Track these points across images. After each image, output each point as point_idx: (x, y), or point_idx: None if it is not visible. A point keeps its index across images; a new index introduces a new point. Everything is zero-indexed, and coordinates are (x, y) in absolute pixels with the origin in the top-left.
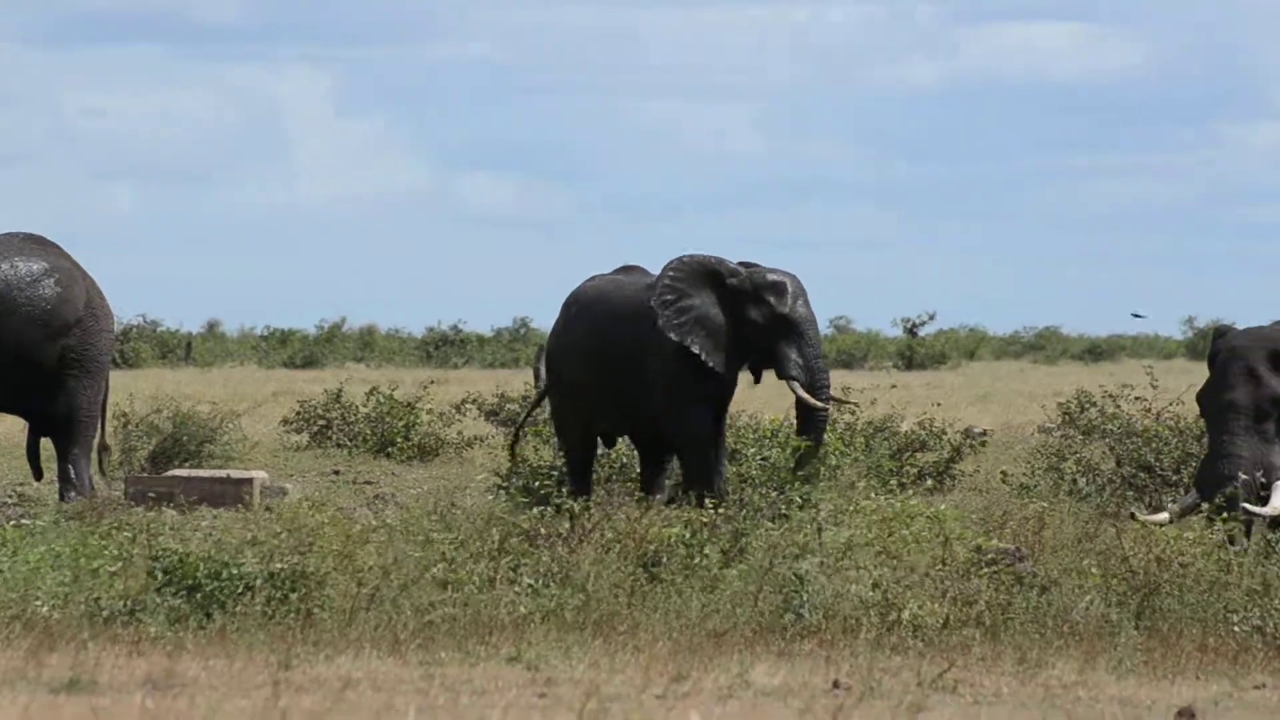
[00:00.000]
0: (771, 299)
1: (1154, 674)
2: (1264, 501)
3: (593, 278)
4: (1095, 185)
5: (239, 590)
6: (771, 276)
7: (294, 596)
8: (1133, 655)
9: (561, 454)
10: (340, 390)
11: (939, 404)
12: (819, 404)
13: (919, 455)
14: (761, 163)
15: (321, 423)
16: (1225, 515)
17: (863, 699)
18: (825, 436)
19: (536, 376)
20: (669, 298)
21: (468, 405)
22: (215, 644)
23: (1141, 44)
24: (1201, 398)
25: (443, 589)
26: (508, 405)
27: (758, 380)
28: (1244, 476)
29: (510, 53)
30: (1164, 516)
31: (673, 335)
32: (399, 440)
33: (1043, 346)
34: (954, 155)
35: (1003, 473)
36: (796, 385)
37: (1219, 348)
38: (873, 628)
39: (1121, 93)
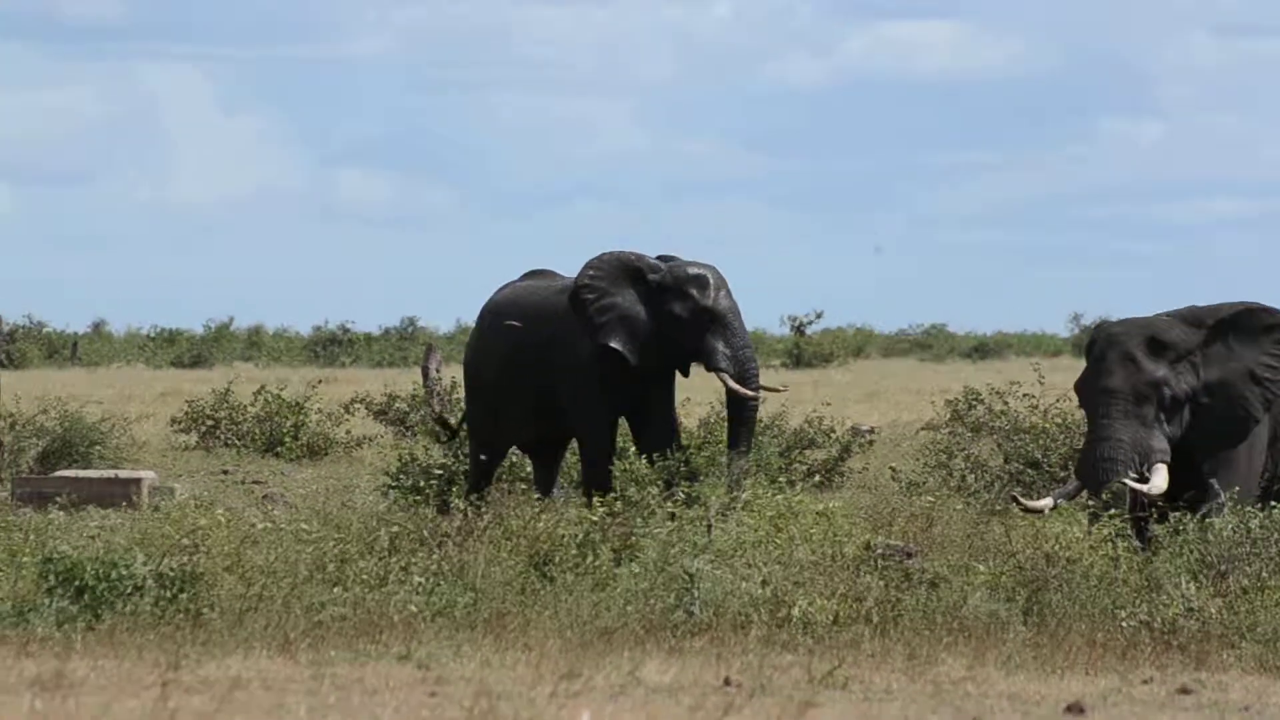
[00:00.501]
0: (694, 292)
1: (1043, 669)
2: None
3: (504, 286)
4: (981, 182)
5: (128, 591)
6: (692, 270)
7: (183, 597)
8: (1022, 651)
9: (469, 456)
10: (228, 390)
11: (828, 403)
12: (749, 393)
13: (807, 453)
14: (644, 159)
15: (210, 423)
16: (1112, 511)
17: (753, 696)
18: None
19: (425, 375)
20: (590, 296)
21: (356, 405)
22: (104, 645)
23: (1019, 41)
24: (1080, 386)
25: (332, 588)
26: (396, 404)
27: (685, 374)
28: (1123, 460)
29: (393, 50)
30: (1046, 503)
31: (595, 335)
32: (287, 440)
33: (930, 344)
34: (840, 152)
35: (891, 470)
36: (726, 376)
37: (1096, 336)
38: (763, 625)
39: (1004, 89)
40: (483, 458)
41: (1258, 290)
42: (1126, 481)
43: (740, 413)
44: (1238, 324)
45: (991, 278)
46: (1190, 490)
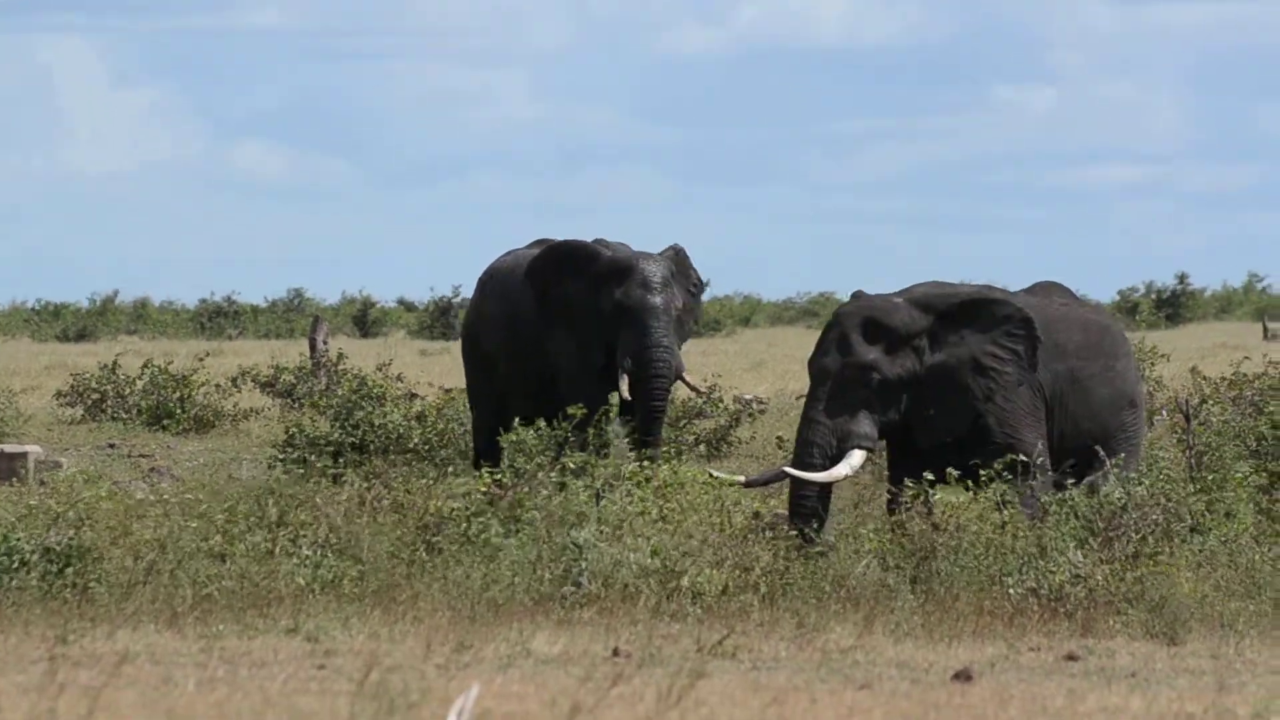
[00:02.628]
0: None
1: (931, 637)
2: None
3: (508, 253)
4: (868, 149)
5: (14, 566)
6: (621, 260)
7: (70, 571)
8: (910, 619)
9: (471, 425)
10: (115, 363)
11: (719, 374)
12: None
13: (696, 423)
14: (536, 128)
15: (96, 396)
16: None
17: (642, 666)
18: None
19: (312, 347)
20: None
21: (244, 378)
22: None
23: (914, 8)
24: (809, 363)
25: (220, 562)
26: (283, 377)
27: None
28: (819, 443)
29: (284, 20)
30: (739, 478)
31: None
32: (175, 413)
33: (817, 312)
34: (725, 120)
35: (779, 439)
36: (622, 374)
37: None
38: (652, 595)
39: (894, 57)
40: (484, 423)
41: (1149, 254)
42: (787, 469)
43: (638, 412)
44: (971, 311)
45: (880, 246)
46: (922, 471)
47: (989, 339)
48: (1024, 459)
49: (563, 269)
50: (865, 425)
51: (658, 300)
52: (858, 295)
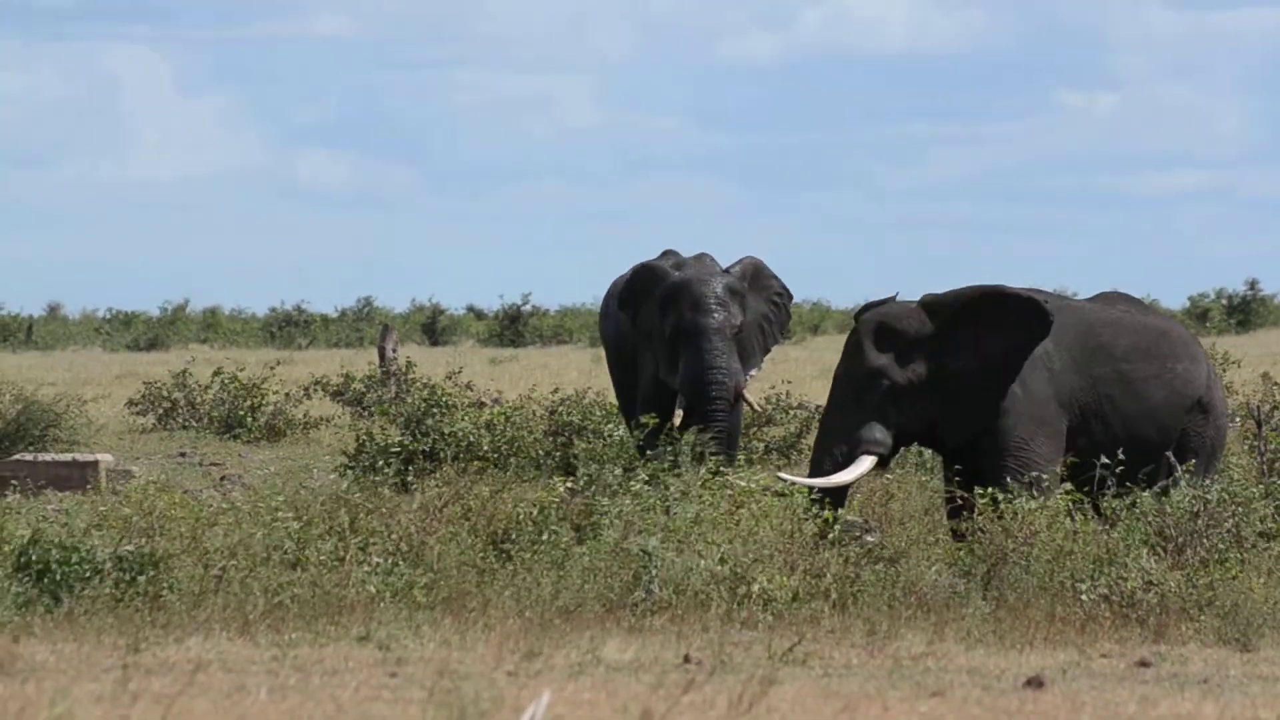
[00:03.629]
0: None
1: (1002, 644)
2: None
3: (642, 264)
4: (932, 155)
5: (87, 574)
6: (678, 282)
7: (142, 580)
8: (981, 625)
9: (627, 427)
10: (186, 371)
11: (788, 381)
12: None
13: (766, 430)
14: (600, 134)
15: (167, 405)
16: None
17: (714, 673)
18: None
19: (381, 356)
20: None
21: (315, 387)
22: (63, 628)
23: (976, 14)
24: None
25: (292, 569)
26: (353, 385)
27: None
28: (828, 448)
29: (349, 29)
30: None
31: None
32: (246, 421)
33: None
34: (793, 127)
35: None
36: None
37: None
38: (723, 602)
39: (957, 62)
40: (637, 423)
41: (1219, 260)
42: (783, 475)
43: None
44: (980, 308)
45: (946, 252)
46: (972, 472)
47: (1001, 335)
48: (1024, 467)
49: (642, 293)
50: (876, 431)
51: (708, 321)
52: (869, 305)
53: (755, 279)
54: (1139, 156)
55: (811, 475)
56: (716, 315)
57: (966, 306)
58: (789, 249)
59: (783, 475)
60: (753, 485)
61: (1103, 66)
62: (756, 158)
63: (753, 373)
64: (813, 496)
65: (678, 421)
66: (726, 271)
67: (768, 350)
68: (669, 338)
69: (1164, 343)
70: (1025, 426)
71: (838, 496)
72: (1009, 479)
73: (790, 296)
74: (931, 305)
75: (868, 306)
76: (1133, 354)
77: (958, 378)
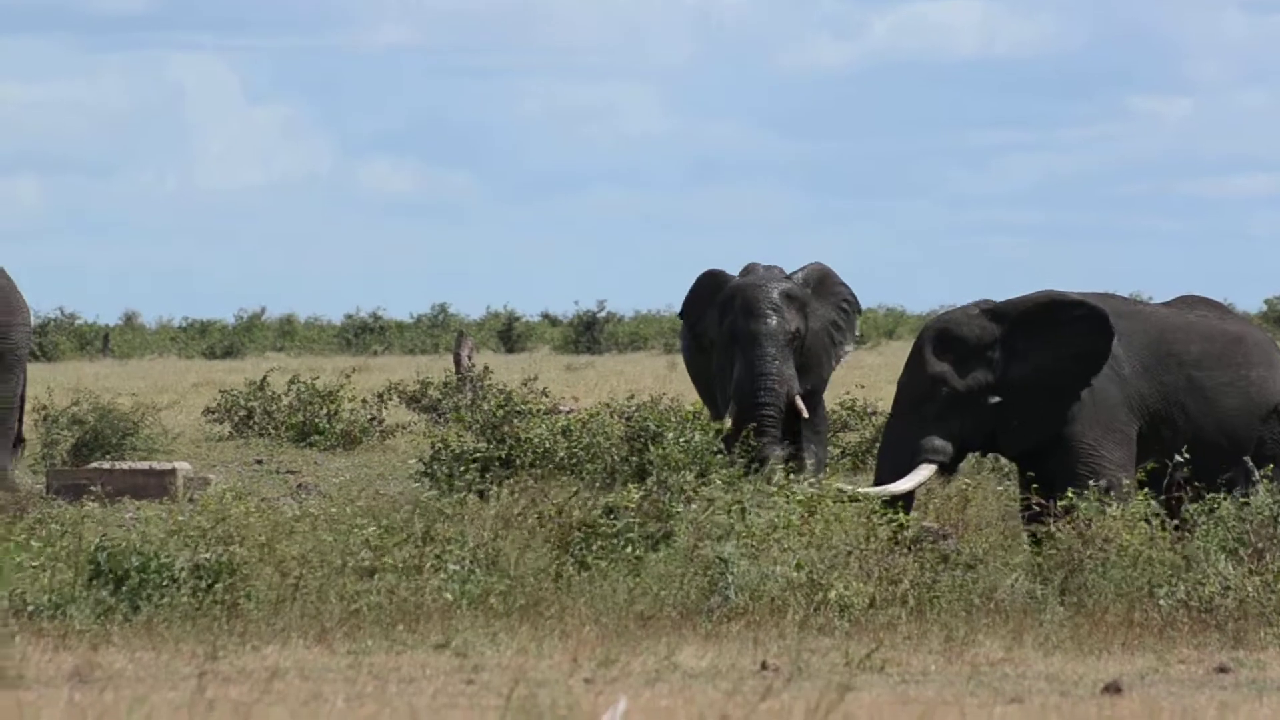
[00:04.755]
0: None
1: (1080, 650)
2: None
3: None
4: (1005, 161)
5: (164, 583)
6: (732, 288)
7: (219, 587)
8: (1059, 631)
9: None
10: (264, 379)
11: (861, 385)
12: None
13: (841, 436)
14: (668, 143)
15: (243, 412)
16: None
17: (791, 680)
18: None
19: (457, 363)
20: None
21: (390, 394)
22: (141, 636)
23: (1048, 19)
24: None
25: (368, 577)
26: (429, 392)
27: None
28: (890, 457)
29: (412, 37)
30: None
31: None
32: (322, 429)
33: None
34: (867, 134)
35: None
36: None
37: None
38: (799, 609)
39: (1029, 68)
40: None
41: None
42: (842, 486)
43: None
44: (1042, 315)
45: (1022, 257)
46: (1042, 478)
47: (1064, 341)
48: (1093, 473)
49: (701, 300)
50: (935, 439)
51: (760, 326)
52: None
53: (821, 285)
54: (1213, 161)
55: (876, 484)
56: (770, 320)
57: (1026, 314)
58: (860, 255)
59: (842, 486)
60: (822, 492)
61: (1176, 71)
62: (824, 165)
63: (826, 378)
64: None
65: (726, 425)
66: (788, 278)
67: (839, 358)
68: (724, 344)
69: (1238, 349)
70: (1094, 432)
71: (904, 505)
72: (1081, 485)
73: (858, 303)
74: (993, 312)
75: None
76: (1205, 360)
77: (1016, 386)
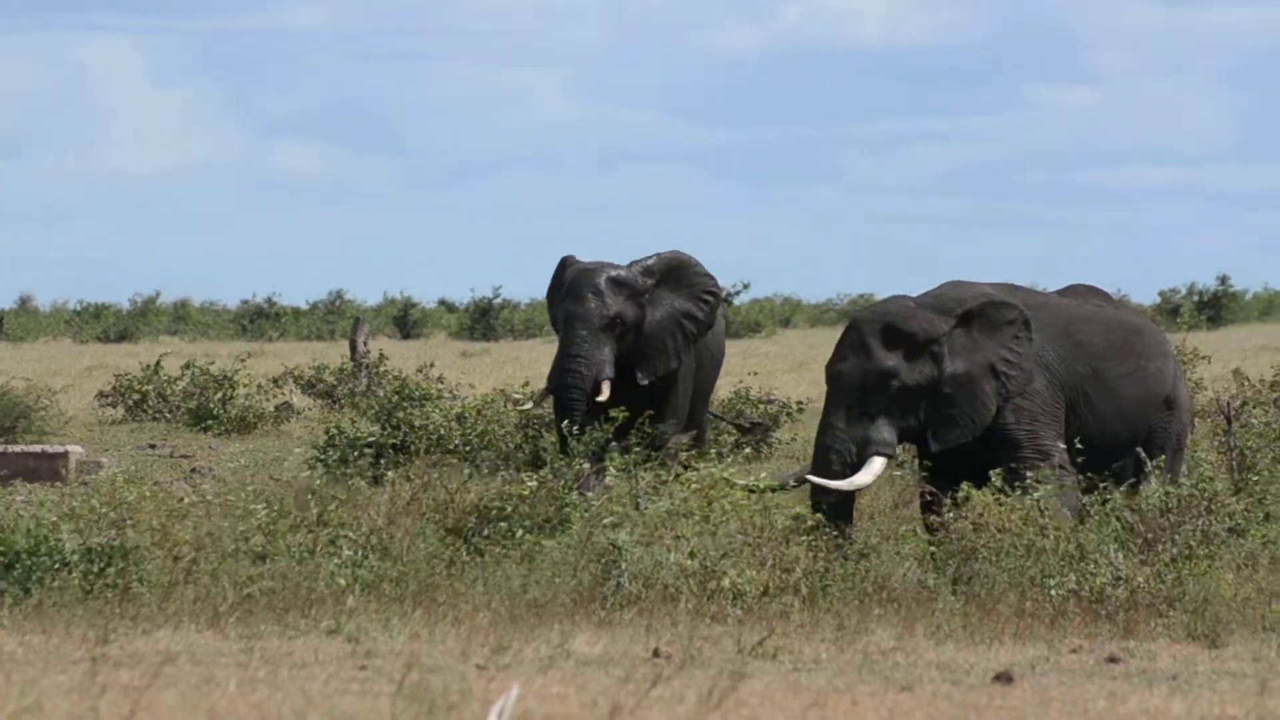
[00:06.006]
0: None
1: (972, 639)
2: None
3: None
4: (907, 150)
5: (55, 566)
6: (567, 273)
7: (111, 571)
8: (951, 620)
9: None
10: (158, 363)
11: (755, 373)
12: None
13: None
14: (574, 128)
15: (137, 396)
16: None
17: (683, 667)
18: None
19: (353, 349)
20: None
21: (285, 378)
22: (32, 620)
23: (953, 7)
24: (827, 369)
25: (261, 562)
26: (325, 378)
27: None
28: (838, 450)
29: (323, 20)
30: (753, 481)
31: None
32: (216, 414)
33: None
34: (764, 120)
35: None
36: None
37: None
38: (692, 596)
39: (933, 57)
40: None
41: (1191, 255)
42: (810, 477)
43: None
44: (982, 315)
45: (919, 246)
46: (952, 470)
47: (1000, 342)
48: (1042, 456)
49: (554, 288)
50: (885, 432)
51: (574, 309)
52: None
53: (675, 275)
54: (1112, 152)
55: (820, 477)
56: (587, 304)
57: (971, 311)
58: (763, 243)
59: (811, 477)
60: (779, 483)
61: (1078, 62)
62: (731, 151)
63: (662, 371)
64: (822, 500)
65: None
66: (632, 265)
67: (685, 349)
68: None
69: (1138, 340)
70: (1028, 418)
71: (844, 506)
72: (1029, 471)
73: (720, 295)
74: (938, 306)
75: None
76: (1108, 351)
77: (960, 382)
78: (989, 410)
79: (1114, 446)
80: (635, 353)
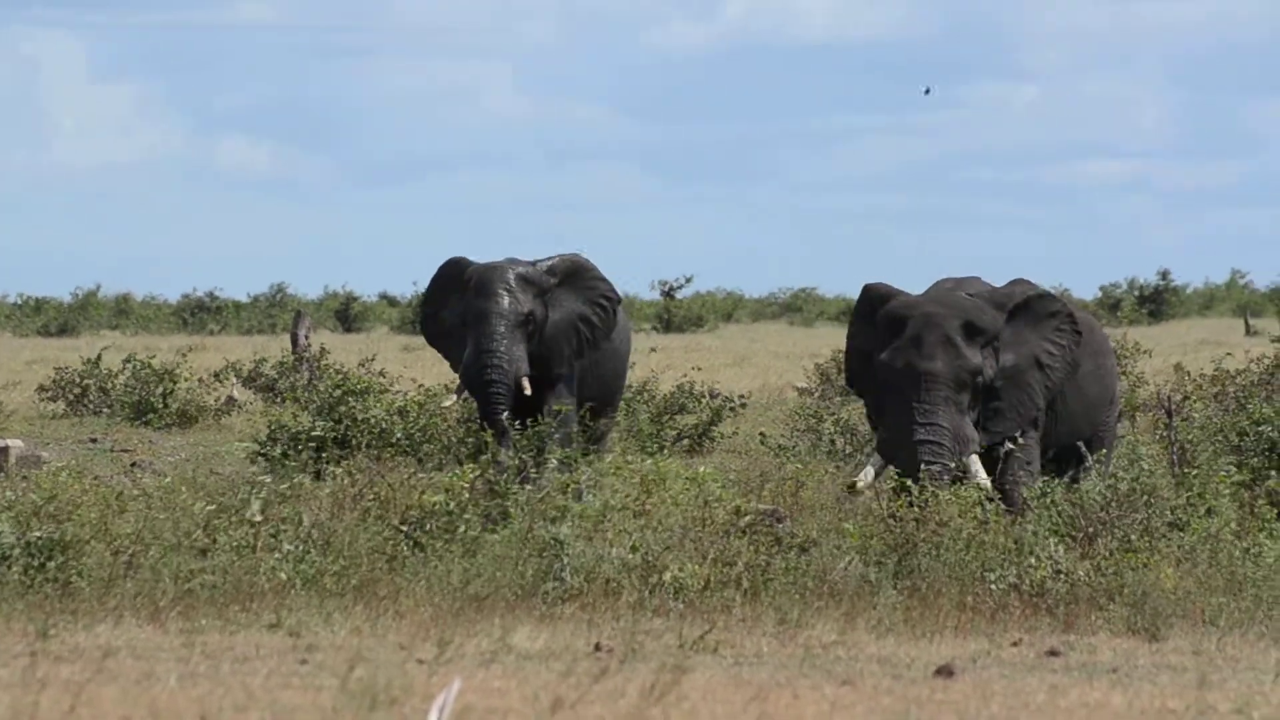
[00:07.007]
0: None
1: (913, 633)
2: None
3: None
4: (851, 146)
5: None
6: (471, 271)
7: (51, 565)
8: (892, 614)
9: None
10: (99, 357)
11: (699, 368)
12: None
13: (678, 418)
14: (519, 124)
15: (78, 391)
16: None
17: (625, 661)
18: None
19: (294, 342)
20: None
21: (226, 372)
22: None
23: (899, 4)
24: (887, 362)
25: (202, 556)
26: (266, 372)
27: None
28: (948, 447)
29: (269, 15)
30: (865, 481)
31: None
32: (157, 408)
33: (799, 308)
34: (709, 116)
35: (761, 434)
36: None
37: (904, 311)
38: (634, 590)
39: (878, 53)
40: None
41: (1132, 250)
42: (980, 480)
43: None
44: (1028, 309)
45: (860, 241)
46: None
47: (1043, 335)
48: (1030, 460)
49: (444, 286)
50: (973, 429)
51: (489, 305)
52: (882, 289)
53: (573, 278)
54: (1054, 148)
55: (910, 472)
56: (501, 300)
57: (1020, 304)
58: (705, 237)
59: (982, 476)
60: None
61: (1020, 58)
62: (676, 147)
63: (563, 370)
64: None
65: (446, 404)
66: (534, 264)
67: (581, 354)
68: (460, 325)
69: (1094, 338)
70: (1028, 415)
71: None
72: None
73: (617, 300)
74: (994, 300)
75: (883, 292)
76: (1078, 350)
77: (1010, 377)
78: (1036, 403)
79: (1075, 443)
80: (535, 352)
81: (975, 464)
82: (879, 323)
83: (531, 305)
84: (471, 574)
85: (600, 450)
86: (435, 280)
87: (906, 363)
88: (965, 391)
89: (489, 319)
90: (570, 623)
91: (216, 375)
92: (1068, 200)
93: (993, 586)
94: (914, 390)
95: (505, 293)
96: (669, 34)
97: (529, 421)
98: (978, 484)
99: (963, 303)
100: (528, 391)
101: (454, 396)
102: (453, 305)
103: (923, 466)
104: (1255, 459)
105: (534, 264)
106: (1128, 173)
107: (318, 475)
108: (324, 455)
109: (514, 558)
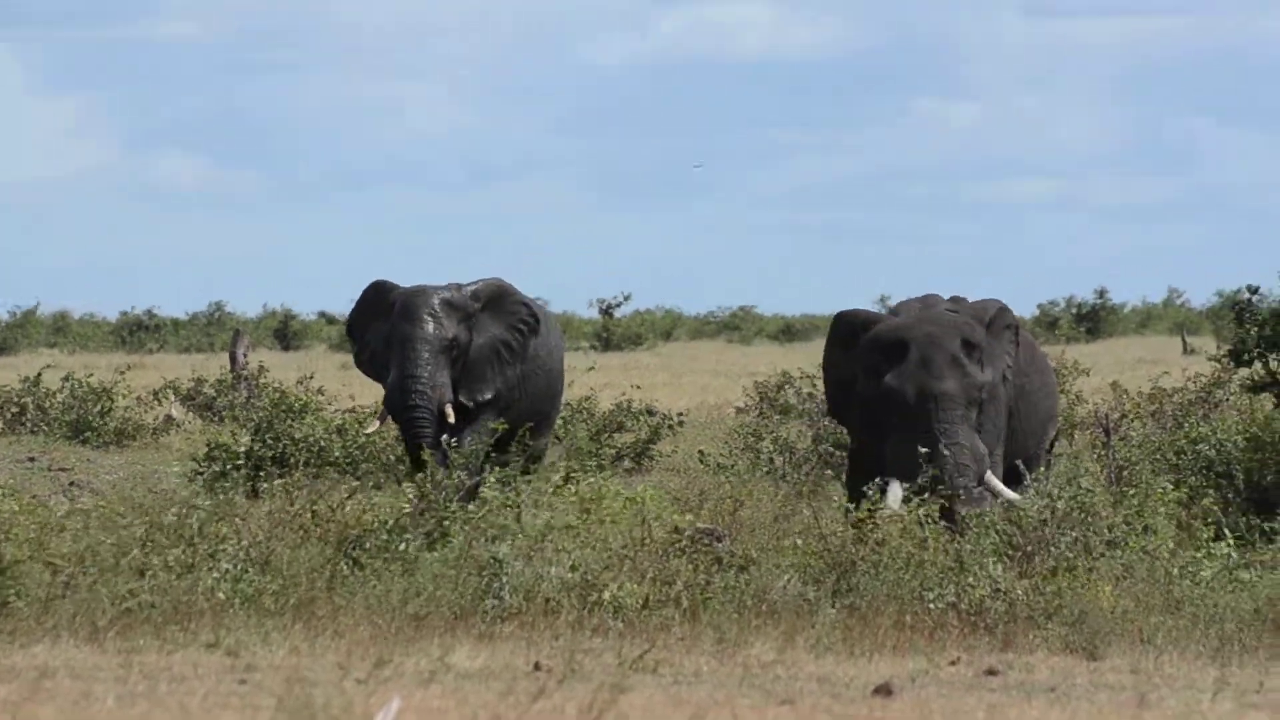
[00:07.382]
0: None
1: (852, 652)
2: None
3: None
4: (789, 162)
5: None
6: (396, 295)
7: None
8: (831, 633)
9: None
10: (38, 376)
11: (638, 386)
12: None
13: (617, 436)
14: (455, 140)
15: (15, 409)
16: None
17: (564, 681)
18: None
19: (233, 361)
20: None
21: (164, 390)
22: None
23: (834, 22)
24: (895, 383)
25: (140, 576)
26: (204, 390)
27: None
28: (971, 465)
29: (201, 31)
30: (895, 508)
31: None
32: (95, 426)
33: (738, 326)
34: (644, 132)
35: (700, 453)
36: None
37: (899, 334)
38: (573, 609)
39: (815, 70)
40: None
41: (1069, 268)
42: (1011, 497)
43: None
44: (994, 324)
45: (799, 259)
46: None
47: (1005, 349)
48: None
49: (368, 311)
50: (982, 444)
51: (413, 330)
52: (902, 318)
53: (495, 302)
54: (992, 165)
55: (949, 492)
56: (426, 325)
57: (992, 319)
58: (642, 255)
59: (1005, 491)
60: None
61: (959, 75)
62: (610, 163)
63: (487, 395)
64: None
65: (370, 430)
66: (459, 288)
67: (501, 376)
68: (384, 349)
69: (1038, 355)
70: (995, 432)
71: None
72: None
73: (537, 324)
74: (977, 316)
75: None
76: (1028, 366)
77: (988, 390)
78: (1004, 418)
79: (1025, 459)
80: (458, 377)
81: (995, 480)
82: (865, 347)
83: (456, 330)
84: (410, 593)
85: (537, 469)
86: (359, 304)
87: (919, 385)
88: (974, 408)
89: (413, 344)
90: (509, 642)
91: (155, 394)
92: (1005, 217)
93: (931, 605)
94: (930, 412)
95: (430, 318)
96: (602, 50)
97: (456, 442)
98: (1005, 499)
99: (956, 320)
100: (451, 419)
101: (377, 422)
102: (376, 329)
103: (960, 490)
104: (1193, 477)
105: (459, 288)
106: (1064, 190)
107: (255, 494)
108: (262, 474)
109: (453, 577)
